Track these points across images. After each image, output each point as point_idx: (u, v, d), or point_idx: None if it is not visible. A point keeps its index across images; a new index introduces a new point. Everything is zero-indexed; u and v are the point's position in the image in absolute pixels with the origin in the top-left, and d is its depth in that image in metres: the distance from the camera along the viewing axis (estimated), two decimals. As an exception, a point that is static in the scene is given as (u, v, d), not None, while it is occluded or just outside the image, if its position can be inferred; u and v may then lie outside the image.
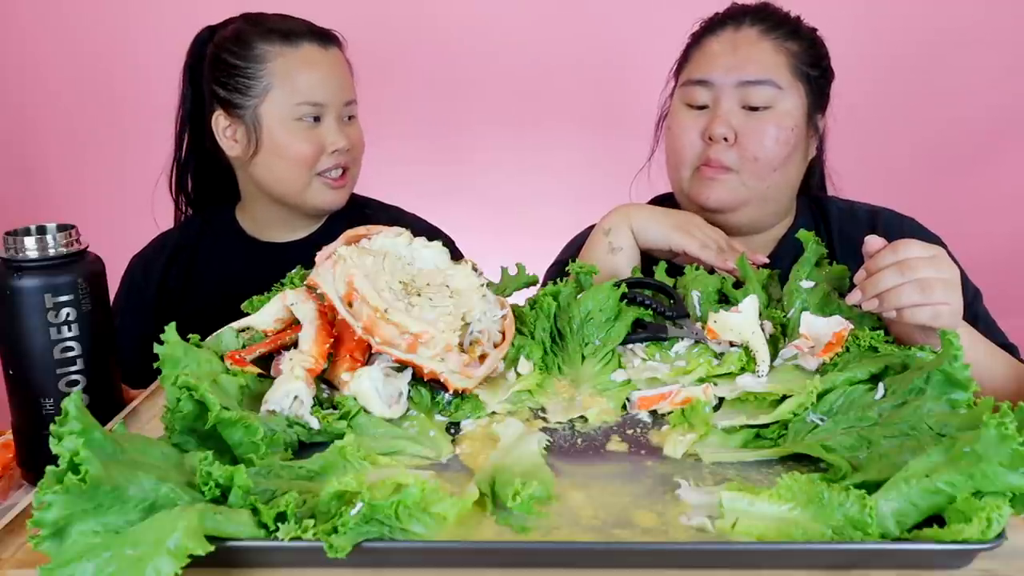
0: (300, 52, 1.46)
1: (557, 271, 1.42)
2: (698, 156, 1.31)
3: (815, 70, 1.32)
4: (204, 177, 1.62)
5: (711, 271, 1.19)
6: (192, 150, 1.59)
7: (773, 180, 1.30)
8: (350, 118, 1.51)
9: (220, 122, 1.48)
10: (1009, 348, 1.25)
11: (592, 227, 1.34)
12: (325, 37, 1.49)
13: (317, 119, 1.46)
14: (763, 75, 1.27)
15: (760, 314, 1.05)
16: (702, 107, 1.31)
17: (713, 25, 1.35)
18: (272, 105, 1.44)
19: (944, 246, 1.29)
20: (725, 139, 1.28)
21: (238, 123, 1.47)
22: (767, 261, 1.25)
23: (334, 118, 1.47)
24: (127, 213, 1.60)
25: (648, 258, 1.30)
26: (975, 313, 1.30)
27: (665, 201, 1.47)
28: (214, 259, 1.58)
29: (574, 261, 1.17)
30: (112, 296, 1.10)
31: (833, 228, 1.40)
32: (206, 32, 1.53)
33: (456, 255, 1.04)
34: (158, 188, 1.60)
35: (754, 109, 1.28)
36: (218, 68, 1.47)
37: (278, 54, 1.45)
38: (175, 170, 1.61)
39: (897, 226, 1.37)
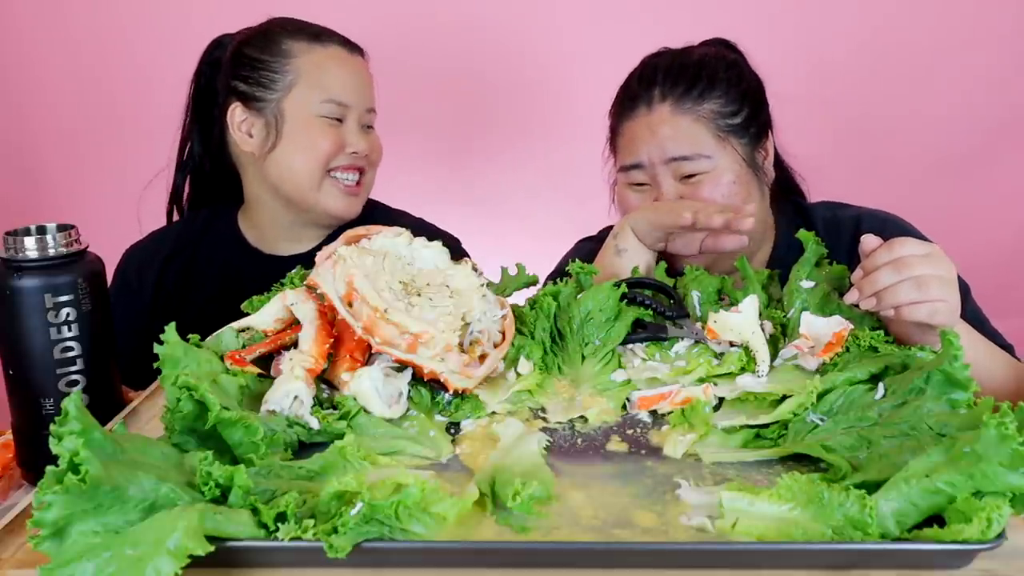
0: (328, 51, 1.47)
1: (559, 272, 1.42)
2: None
3: (738, 116, 1.33)
4: (205, 182, 1.60)
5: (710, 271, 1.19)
6: (196, 154, 1.58)
7: None
8: (369, 127, 1.52)
9: (236, 115, 1.47)
10: (1004, 347, 1.24)
11: (596, 232, 1.34)
12: (351, 44, 1.51)
13: (340, 120, 1.46)
14: (688, 151, 1.30)
15: (760, 314, 1.05)
16: (644, 183, 1.35)
17: (627, 106, 1.37)
18: (297, 100, 1.45)
19: (928, 241, 1.29)
20: None
21: (256, 117, 1.46)
22: (748, 226, 1.23)
23: (355, 122, 1.48)
24: (127, 213, 1.60)
25: None
26: (964, 309, 1.29)
27: None
28: (213, 266, 1.56)
29: (574, 261, 1.17)
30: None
31: (820, 236, 1.40)
32: (225, 37, 1.54)
33: (462, 256, 1.04)
34: (148, 189, 1.59)
35: (690, 177, 1.31)
36: (240, 62, 1.47)
37: (306, 50, 1.46)
38: (179, 172, 1.60)
39: (879, 228, 1.37)
